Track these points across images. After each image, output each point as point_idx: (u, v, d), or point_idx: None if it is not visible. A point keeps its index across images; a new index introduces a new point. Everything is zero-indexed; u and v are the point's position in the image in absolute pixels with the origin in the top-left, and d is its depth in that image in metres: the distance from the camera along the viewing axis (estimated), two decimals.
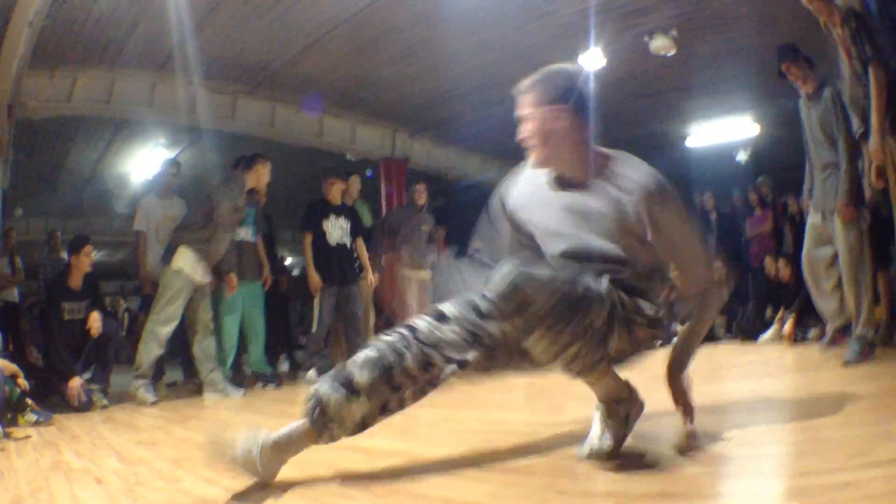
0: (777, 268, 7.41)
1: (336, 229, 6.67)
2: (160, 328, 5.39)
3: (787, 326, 6.45)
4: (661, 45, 7.61)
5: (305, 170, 11.25)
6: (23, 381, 4.07)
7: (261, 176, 5.98)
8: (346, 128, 10.27)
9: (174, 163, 6.81)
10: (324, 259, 6.54)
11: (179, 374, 7.10)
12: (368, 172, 8.22)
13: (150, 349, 5.37)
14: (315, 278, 6.42)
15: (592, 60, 7.93)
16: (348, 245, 6.73)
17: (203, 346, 5.62)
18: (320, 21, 7.05)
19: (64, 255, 8.19)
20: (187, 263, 5.42)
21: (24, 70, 6.51)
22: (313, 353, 6.56)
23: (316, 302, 6.57)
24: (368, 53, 7.90)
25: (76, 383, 4.90)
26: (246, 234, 6.32)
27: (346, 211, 6.87)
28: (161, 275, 5.55)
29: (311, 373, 6.30)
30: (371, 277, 7.00)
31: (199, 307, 5.63)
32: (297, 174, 11.81)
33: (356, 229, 6.89)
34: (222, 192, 5.68)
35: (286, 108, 9.42)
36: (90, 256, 5.61)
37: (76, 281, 5.43)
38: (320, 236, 6.61)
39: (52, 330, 5.25)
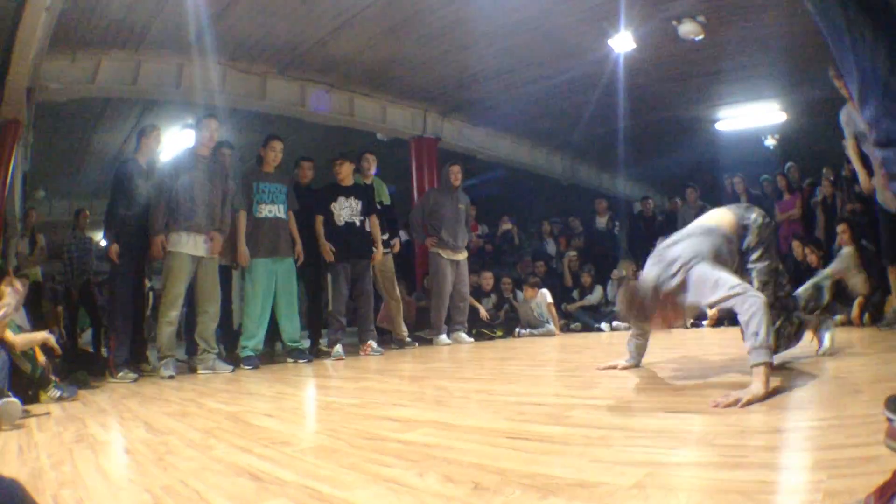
0: (805, 252, 7.31)
1: (344, 209, 6.75)
2: (168, 310, 5.60)
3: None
4: (689, 29, 7.61)
5: (336, 149, 11.23)
6: (54, 344, 4.15)
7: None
8: (377, 107, 10.29)
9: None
10: (333, 238, 6.65)
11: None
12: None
13: (164, 331, 5.60)
14: (326, 251, 6.59)
15: (622, 43, 7.94)
16: (357, 223, 6.80)
17: (203, 326, 5.76)
18: (351, 1, 7.06)
19: (90, 234, 8.35)
20: (178, 243, 5.59)
21: (44, 54, 6.56)
22: (336, 330, 6.63)
23: (329, 279, 6.75)
24: (399, 34, 7.90)
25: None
26: (278, 210, 6.35)
27: (357, 191, 6.91)
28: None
29: (338, 348, 6.44)
30: (378, 255, 7.03)
31: (202, 282, 5.76)
32: (327, 153, 11.85)
33: (368, 208, 6.94)
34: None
35: (317, 88, 9.44)
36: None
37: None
38: (329, 218, 6.72)
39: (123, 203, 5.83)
